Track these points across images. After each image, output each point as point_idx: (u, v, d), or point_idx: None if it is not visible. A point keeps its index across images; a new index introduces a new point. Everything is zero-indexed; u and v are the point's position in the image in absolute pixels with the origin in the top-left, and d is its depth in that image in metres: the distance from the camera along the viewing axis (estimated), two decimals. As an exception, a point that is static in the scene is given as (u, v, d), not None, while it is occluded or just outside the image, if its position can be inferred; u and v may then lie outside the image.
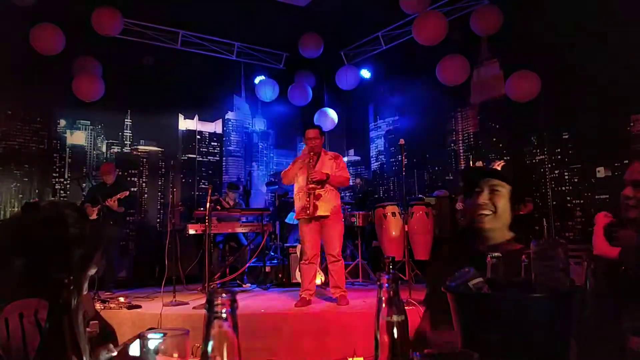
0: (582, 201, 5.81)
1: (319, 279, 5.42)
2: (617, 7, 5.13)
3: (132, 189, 7.28)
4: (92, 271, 1.21)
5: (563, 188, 5.98)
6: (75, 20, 6.33)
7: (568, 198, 5.92)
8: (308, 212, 4.53)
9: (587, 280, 1.07)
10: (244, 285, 6.30)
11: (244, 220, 6.48)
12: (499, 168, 1.68)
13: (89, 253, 1.18)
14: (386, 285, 0.85)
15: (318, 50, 7.78)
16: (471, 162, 6.05)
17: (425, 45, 6.47)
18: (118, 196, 5.94)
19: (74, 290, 1.13)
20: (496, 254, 1.19)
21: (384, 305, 0.84)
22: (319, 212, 4.56)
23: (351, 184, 4.97)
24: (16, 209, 6.85)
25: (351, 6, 7.00)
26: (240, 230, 6.34)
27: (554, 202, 6.01)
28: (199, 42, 8.03)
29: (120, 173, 7.38)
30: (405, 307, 0.87)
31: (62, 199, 7.20)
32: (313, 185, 4.57)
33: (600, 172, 5.55)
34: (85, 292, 1.20)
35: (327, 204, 4.58)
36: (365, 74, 8.30)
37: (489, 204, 1.57)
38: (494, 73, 6.88)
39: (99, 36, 6.43)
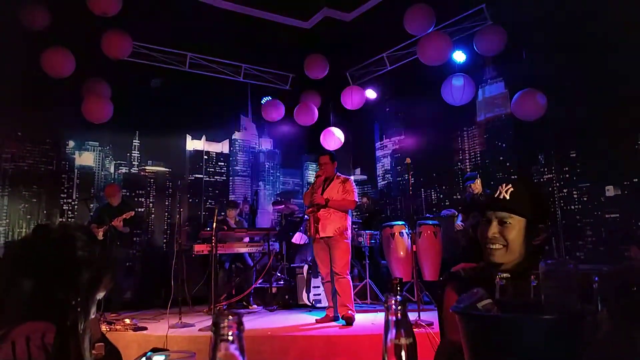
0: (591, 220, 5.74)
1: None
2: (623, 26, 5.16)
3: (138, 209, 7.30)
4: (101, 294, 1.21)
5: (572, 207, 5.92)
6: (85, 44, 6.46)
7: (577, 217, 5.86)
8: (309, 233, 4.93)
9: (598, 301, 1.04)
10: (250, 307, 6.25)
11: (248, 240, 6.46)
12: (507, 195, 1.46)
13: (97, 276, 1.18)
14: (394, 307, 0.84)
15: (323, 71, 7.85)
16: (479, 183, 5.92)
17: (430, 66, 6.53)
18: (123, 217, 5.96)
19: (81, 313, 1.13)
20: (505, 274, 1.18)
21: (392, 327, 0.83)
22: (322, 234, 4.80)
23: (358, 202, 5.15)
24: (24, 230, 6.88)
25: (356, 28, 7.11)
26: (246, 250, 6.32)
27: (564, 222, 5.95)
28: (207, 64, 8.15)
29: (127, 193, 7.43)
30: (414, 329, 0.86)
31: (70, 219, 7.23)
32: (313, 209, 4.84)
33: (610, 190, 5.50)
34: (92, 316, 1.19)
35: (330, 225, 4.79)
36: (371, 94, 8.35)
37: (498, 238, 1.43)
38: (499, 92, 6.90)
39: (108, 59, 6.54)
